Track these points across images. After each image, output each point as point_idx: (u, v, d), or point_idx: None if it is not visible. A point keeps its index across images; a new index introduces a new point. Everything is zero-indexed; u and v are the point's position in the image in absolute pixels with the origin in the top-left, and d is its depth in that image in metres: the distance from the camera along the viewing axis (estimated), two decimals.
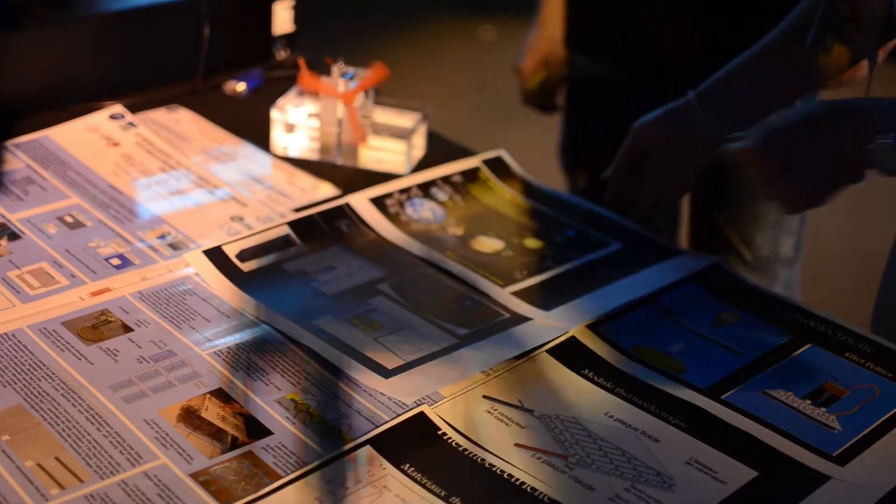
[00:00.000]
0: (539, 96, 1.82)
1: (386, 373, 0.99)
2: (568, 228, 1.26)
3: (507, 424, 0.94)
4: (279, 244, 1.18)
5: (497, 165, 1.37)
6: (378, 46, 4.06)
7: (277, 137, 1.38)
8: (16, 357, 0.97)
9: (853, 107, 1.00)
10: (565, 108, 1.81)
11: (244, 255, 1.15)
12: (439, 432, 0.91)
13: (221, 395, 0.95)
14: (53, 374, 0.96)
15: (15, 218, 1.19)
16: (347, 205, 1.25)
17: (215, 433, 0.90)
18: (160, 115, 1.46)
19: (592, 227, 1.26)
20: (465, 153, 1.41)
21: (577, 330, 1.06)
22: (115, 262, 1.13)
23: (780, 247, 1.66)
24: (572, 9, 1.72)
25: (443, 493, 0.85)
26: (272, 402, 0.94)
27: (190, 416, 0.92)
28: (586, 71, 1.71)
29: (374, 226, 1.23)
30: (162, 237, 1.18)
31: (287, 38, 1.62)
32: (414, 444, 0.90)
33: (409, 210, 1.27)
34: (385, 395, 0.96)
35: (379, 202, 1.26)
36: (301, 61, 1.38)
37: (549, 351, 1.03)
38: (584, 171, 1.76)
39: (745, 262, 1.65)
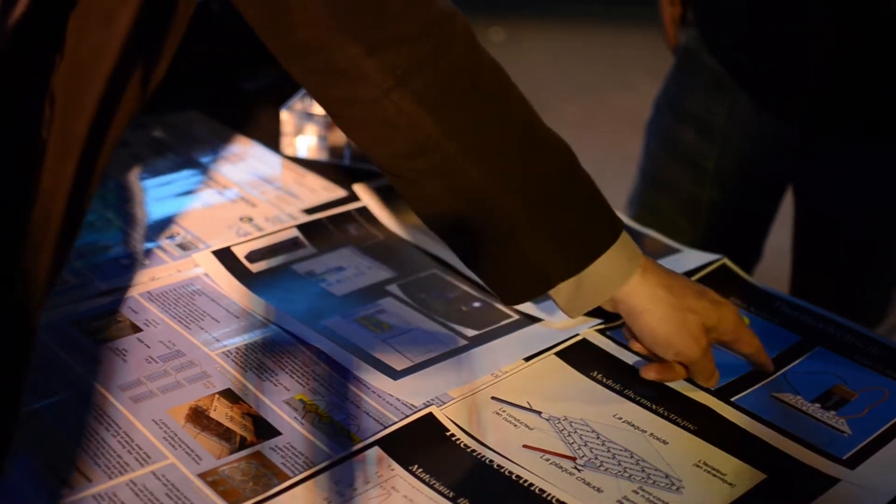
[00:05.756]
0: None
1: (395, 374, 0.99)
2: None
3: (515, 426, 0.93)
4: (288, 245, 1.18)
5: None
6: None
7: (287, 138, 1.38)
8: None
9: None
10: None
11: (253, 256, 1.15)
12: (448, 433, 0.91)
13: (230, 395, 0.95)
14: (62, 373, 0.96)
15: None
16: (357, 207, 1.25)
17: (224, 433, 0.90)
18: (170, 115, 1.46)
19: None
20: None
21: (587, 332, 1.06)
22: (124, 261, 1.13)
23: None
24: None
25: (451, 494, 0.85)
26: (281, 402, 0.94)
27: (198, 417, 0.92)
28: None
29: (385, 221, 1.23)
30: (171, 237, 1.18)
31: None
32: (422, 444, 0.90)
33: None
34: (394, 397, 0.96)
35: (387, 198, 1.26)
36: None
37: (558, 353, 1.03)
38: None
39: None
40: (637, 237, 1.25)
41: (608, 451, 0.91)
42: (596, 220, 0.96)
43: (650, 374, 0.99)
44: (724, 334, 0.98)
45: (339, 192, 1.30)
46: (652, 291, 0.96)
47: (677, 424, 0.95)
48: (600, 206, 0.97)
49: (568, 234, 0.95)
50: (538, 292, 0.98)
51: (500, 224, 0.94)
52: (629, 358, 1.03)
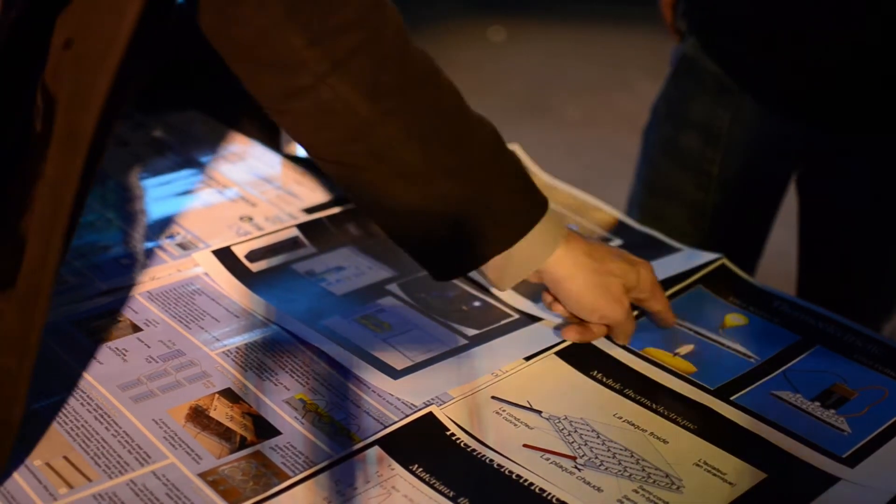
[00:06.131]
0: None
1: (395, 373, 0.99)
2: (572, 225, 1.26)
3: (515, 425, 0.93)
4: (288, 245, 1.18)
5: None
6: None
7: (287, 137, 1.38)
8: None
9: None
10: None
11: (253, 256, 1.15)
12: (448, 433, 0.91)
13: (230, 394, 0.95)
14: (62, 372, 0.96)
15: None
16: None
17: (224, 433, 0.90)
18: (170, 115, 1.46)
19: (597, 225, 1.26)
20: None
21: None
22: (125, 261, 1.13)
23: None
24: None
25: (451, 494, 0.85)
26: (281, 401, 0.94)
27: (198, 416, 0.92)
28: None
29: None
30: (171, 237, 1.18)
31: None
32: (422, 444, 0.90)
33: None
34: (394, 396, 0.96)
35: None
36: None
37: (558, 352, 1.03)
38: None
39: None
40: (637, 236, 1.25)
41: (608, 450, 0.91)
42: (524, 196, 0.99)
43: (571, 335, 1.03)
44: (642, 292, 1.02)
45: (339, 192, 1.30)
46: (576, 259, 0.99)
47: (677, 424, 0.95)
48: (527, 182, 1.00)
49: (501, 211, 0.98)
50: (472, 268, 1.01)
51: (437, 204, 0.97)
52: (629, 358, 1.03)
